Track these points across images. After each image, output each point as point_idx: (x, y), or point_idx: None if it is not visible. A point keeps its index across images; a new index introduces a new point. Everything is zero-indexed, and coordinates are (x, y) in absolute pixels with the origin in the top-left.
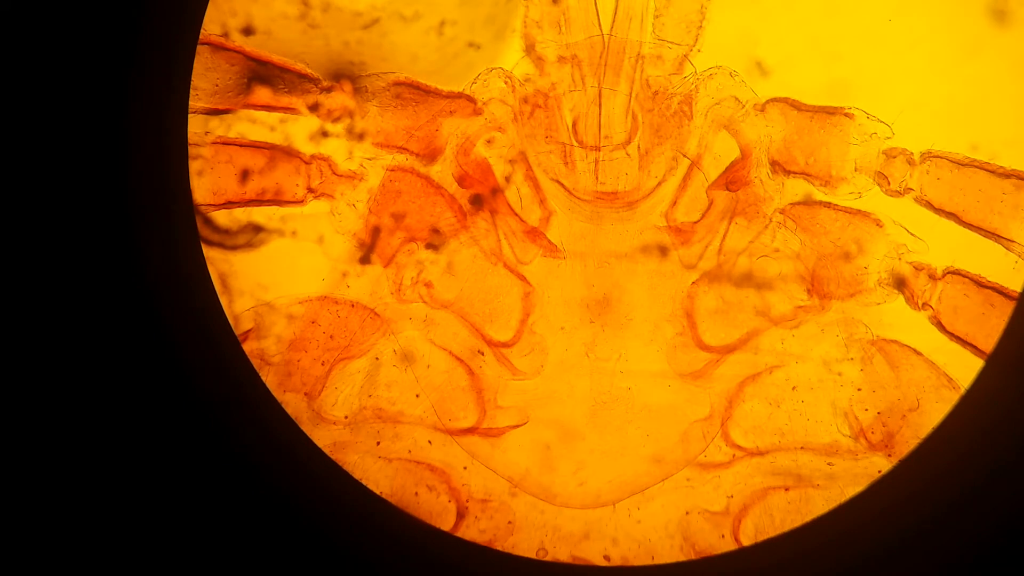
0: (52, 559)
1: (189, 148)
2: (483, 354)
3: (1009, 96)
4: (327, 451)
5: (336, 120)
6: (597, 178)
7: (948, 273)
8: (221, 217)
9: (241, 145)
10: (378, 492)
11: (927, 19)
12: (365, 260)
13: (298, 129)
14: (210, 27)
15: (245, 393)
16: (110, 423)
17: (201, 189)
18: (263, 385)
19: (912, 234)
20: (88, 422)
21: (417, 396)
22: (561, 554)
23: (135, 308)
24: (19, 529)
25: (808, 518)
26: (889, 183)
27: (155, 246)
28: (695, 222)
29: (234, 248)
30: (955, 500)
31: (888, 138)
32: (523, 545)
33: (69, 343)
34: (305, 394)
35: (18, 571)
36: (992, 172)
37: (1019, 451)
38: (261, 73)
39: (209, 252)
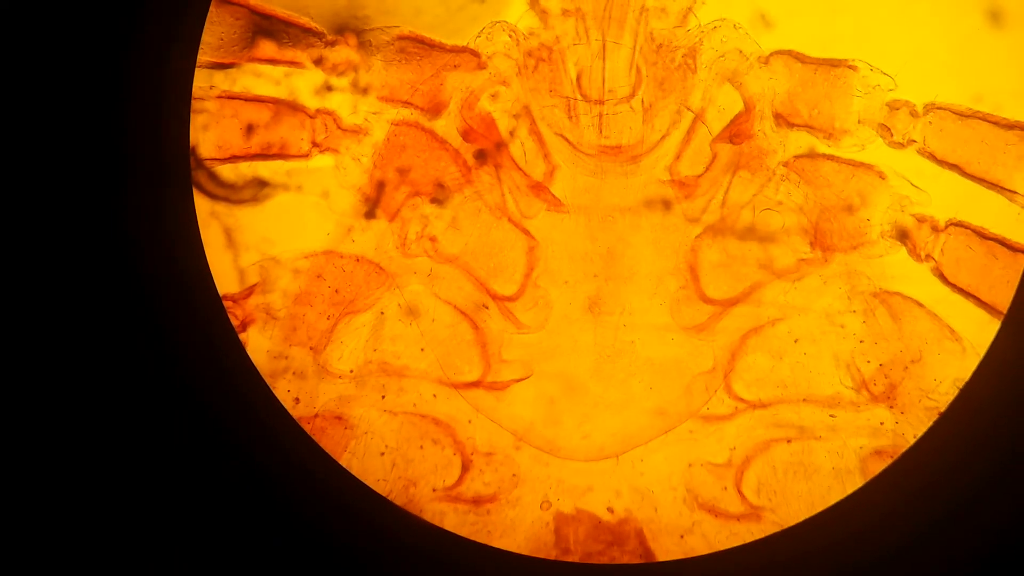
0: (45, 555)
1: (192, 104)
2: (488, 308)
3: (1013, 46)
4: (332, 405)
5: (341, 74)
6: (601, 132)
7: (951, 225)
8: (226, 172)
9: (246, 99)
10: (383, 446)
11: None
12: (370, 215)
13: (303, 83)
14: None
15: (240, 385)
16: (100, 411)
17: (206, 143)
18: (260, 378)
19: (915, 186)
20: (78, 409)
21: (422, 350)
22: (565, 506)
23: (128, 296)
24: (15, 524)
25: (810, 471)
26: (892, 135)
27: (152, 227)
28: (699, 176)
29: (239, 203)
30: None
31: (891, 90)
32: (527, 498)
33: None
34: (311, 348)
35: (18, 571)
36: (995, 123)
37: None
38: (266, 27)
39: (214, 207)
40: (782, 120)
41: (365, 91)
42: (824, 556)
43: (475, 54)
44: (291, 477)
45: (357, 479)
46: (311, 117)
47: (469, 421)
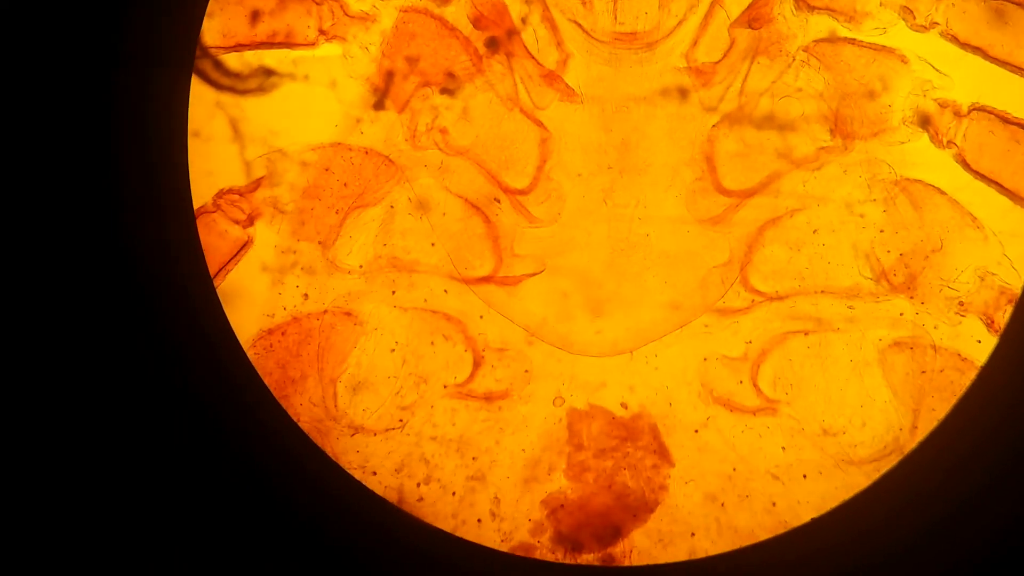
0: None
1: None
2: (499, 201)
3: None
4: (342, 301)
5: None
6: (616, 18)
7: (973, 110)
8: (232, 61)
9: None
10: (394, 343)
11: None
12: (379, 106)
13: None
14: None
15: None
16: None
17: (211, 31)
18: (254, 370)
19: (937, 70)
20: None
21: (433, 245)
22: (578, 402)
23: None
24: (14, 523)
25: (827, 363)
26: (914, 17)
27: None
28: (716, 62)
29: (245, 92)
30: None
31: None
32: (540, 393)
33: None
34: (319, 243)
35: (18, 571)
36: (1020, 5)
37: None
38: None
39: (220, 96)
40: (802, 3)
41: None
42: (829, 556)
43: None
44: (288, 475)
45: (356, 479)
46: (317, 4)
47: (481, 317)
